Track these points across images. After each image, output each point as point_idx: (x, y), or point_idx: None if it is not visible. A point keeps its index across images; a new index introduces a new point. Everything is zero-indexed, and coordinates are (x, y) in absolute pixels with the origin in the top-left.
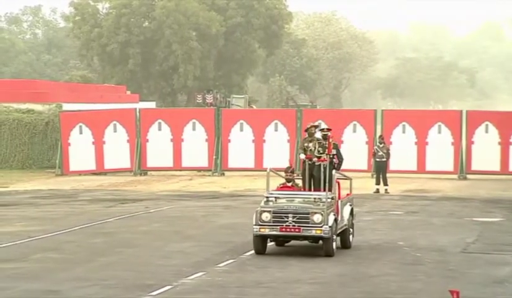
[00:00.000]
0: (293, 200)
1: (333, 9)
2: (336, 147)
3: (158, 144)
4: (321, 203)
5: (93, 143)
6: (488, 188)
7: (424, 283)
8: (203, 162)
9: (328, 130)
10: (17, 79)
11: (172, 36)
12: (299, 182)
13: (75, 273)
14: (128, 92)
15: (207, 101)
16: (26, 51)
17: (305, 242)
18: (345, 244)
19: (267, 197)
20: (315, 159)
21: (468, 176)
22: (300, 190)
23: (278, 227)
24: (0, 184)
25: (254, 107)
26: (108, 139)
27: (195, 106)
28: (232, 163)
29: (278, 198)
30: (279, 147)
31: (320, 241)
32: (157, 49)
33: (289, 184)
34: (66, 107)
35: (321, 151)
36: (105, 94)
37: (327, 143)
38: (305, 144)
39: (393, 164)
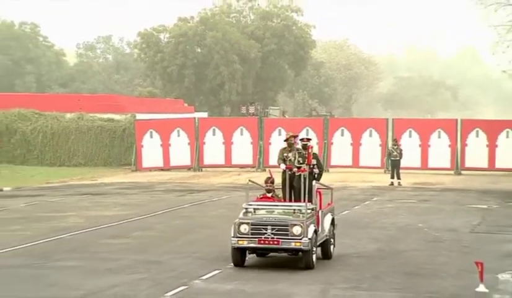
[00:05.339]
0: (273, 212)
1: (345, 37)
2: (316, 157)
3: (213, 146)
4: (301, 215)
5: (161, 145)
6: (480, 181)
7: (447, 257)
8: (249, 160)
9: (308, 139)
10: (100, 94)
11: (220, 60)
12: (280, 192)
13: (169, 247)
14: (185, 105)
15: (250, 112)
16: (100, 72)
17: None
18: (326, 255)
19: (246, 208)
20: (295, 169)
21: (463, 172)
22: (281, 201)
23: (256, 239)
24: (90, 177)
25: (287, 116)
26: (173, 142)
27: (239, 115)
28: (272, 161)
29: (257, 209)
30: None
31: (300, 253)
32: (207, 71)
33: (269, 195)
34: (139, 116)
35: (301, 161)
36: (168, 106)
37: (307, 153)
38: (285, 154)
39: (401, 162)
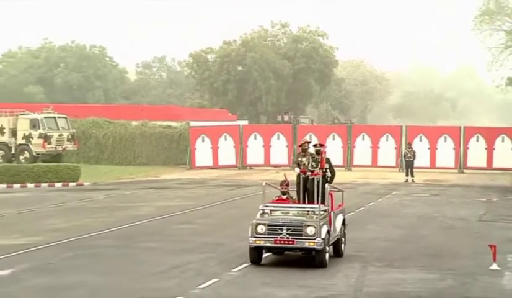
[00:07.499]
0: (288, 213)
1: (362, 57)
2: (329, 161)
3: (254, 148)
4: (314, 216)
5: (211, 147)
6: (480, 179)
7: (462, 241)
8: (284, 160)
9: (321, 145)
10: (159, 105)
11: (257, 76)
12: (294, 194)
13: (229, 232)
14: (230, 114)
15: (285, 120)
16: (156, 87)
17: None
18: (338, 254)
19: (263, 210)
20: (309, 173)
21: (465, 171)
22: (295, 203)
23: (273, 239)
24: (153, 174)
25: (315, 124)
26: (221, 145)
27: (275, 123)
28: None
29: (273, 210)
30: (335, 151)
31: (313, 252)
32: (247, 86)
33: (284, 197)
34: (192, 124)
35: (314, 166)
36: (215, 115)
37: (320, 157)
38: (299, 159)
39: (414, 162)
